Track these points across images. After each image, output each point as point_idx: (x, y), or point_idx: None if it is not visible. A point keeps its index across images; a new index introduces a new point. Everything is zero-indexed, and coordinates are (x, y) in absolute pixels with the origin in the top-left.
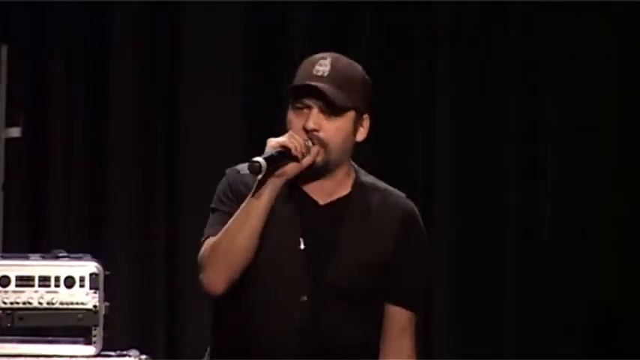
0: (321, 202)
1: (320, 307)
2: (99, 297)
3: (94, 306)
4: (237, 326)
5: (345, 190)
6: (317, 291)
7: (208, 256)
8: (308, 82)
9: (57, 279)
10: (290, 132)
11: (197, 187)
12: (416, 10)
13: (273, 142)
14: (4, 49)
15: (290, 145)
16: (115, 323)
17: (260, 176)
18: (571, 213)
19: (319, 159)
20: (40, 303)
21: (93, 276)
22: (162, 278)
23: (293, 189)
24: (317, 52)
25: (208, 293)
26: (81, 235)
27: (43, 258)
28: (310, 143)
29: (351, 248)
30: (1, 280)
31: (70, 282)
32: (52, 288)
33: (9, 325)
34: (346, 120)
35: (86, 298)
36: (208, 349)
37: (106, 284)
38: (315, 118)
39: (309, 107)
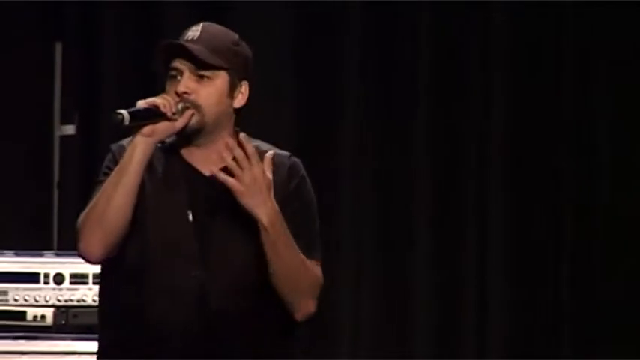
0: (207, 172)
1: (213, 281)
2: None
3: None
4: (130, 309)
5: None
6: (208, 264)
7: (84, 220)
8: (173, 42)
9: None
10: (162, 94)
11: None
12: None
13: (141, 102)
14: (59, 46)
15: (158, 102)
16: None
17: (124, 125)
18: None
19: (194, 121)
20: (94, 300)
21: None
22: None
23: (180, 162)
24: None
25: (86, 260)
26: None
27: None
28: (183, 106)
29: (240, 216)
30: (56, 278)
31: None
32: None
33: (63, 322)
34: (219, 82)
35: None
36: None
37: None
38: (185, 81)
39: (182, 72)
